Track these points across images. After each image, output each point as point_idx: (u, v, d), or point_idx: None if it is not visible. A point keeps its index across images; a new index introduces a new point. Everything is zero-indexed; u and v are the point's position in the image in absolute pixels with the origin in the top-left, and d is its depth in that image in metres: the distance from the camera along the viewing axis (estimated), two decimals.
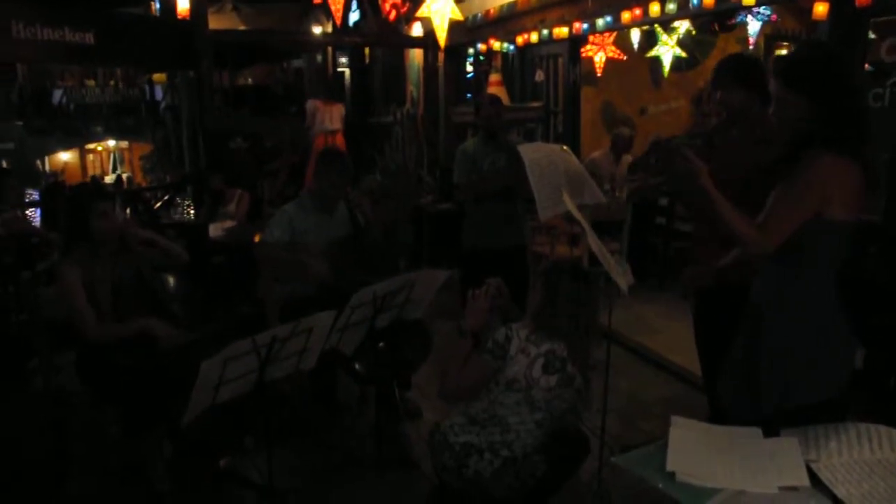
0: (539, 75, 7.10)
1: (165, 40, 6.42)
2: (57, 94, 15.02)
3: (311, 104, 8.72)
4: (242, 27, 9.51)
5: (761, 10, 6.76)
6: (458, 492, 2.39)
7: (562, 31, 5.75)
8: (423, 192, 7.06)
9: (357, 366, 3.18)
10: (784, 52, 7.45)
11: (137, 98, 15.18)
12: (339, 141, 8.66)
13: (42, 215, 6.35)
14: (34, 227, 5.79)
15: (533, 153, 2.97)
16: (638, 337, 4.73)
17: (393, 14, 7.45)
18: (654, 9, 4.66)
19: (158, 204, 6.55)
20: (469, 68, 8.50)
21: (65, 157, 15.21)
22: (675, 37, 7.27)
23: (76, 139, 14.34)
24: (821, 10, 3.72)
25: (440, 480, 2.45)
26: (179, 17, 6.82)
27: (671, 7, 4.53)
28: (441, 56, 7.55)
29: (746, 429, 1.85)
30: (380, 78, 10.48)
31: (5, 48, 5.22)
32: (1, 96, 14.11)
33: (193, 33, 6.39)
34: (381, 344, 3.01)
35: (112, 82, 15.61)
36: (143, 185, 11.93)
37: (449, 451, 2.36)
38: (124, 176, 15.11)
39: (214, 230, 5.50)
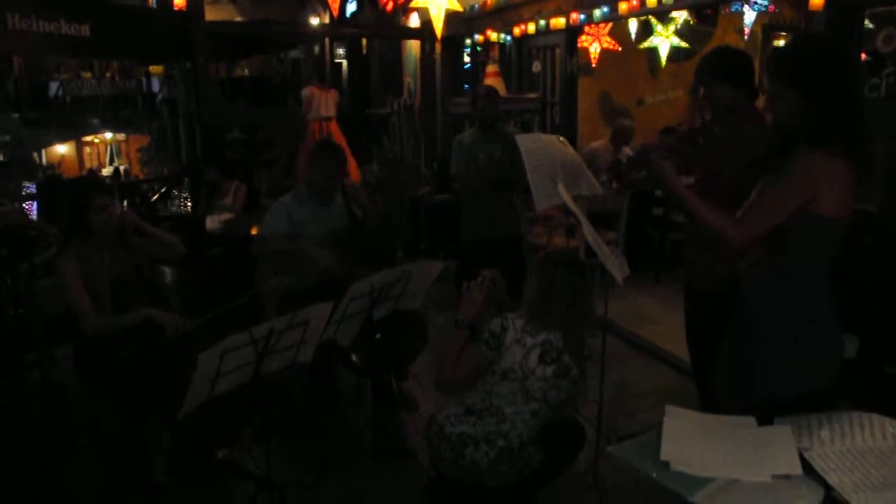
0: (536, 66, 7.09)
1: (162, 32, 6.38)
2: (53, 86, 14.96)
3: (307, 91, 8.73)
4: (239, 18, 9.49)
5: (758, 0, 6.75)
6: (454, 482, 2.40)
7: (559, 22, 5.74)
8: (420, 183, 7.06)
9: (354, 357, 3.19)
10: (781, 42, 7.43)
11: (134, 90, 15.12)
12: (334, 128, 8.68)
13: (39, 208, 6.34)
14: (31, 219, 5.79)
15: (531, 144, 2.98)
16: (633, 327, 4.75)
17: (390, 5, 7.43)
18: None
19: (155, 196, 6.54)
20: (466, 59, 8.48)
21: (61, 149, 15.14)
22: (671, 27, 7.26)
23: (72, 131, 14.27)
24: (817, 0, 3.70)
25: (437, 471, 2.46)
26: (176, 8, 6.79)
27: None
28: (438, 47, 7.53)
29: (740, 418, 1.86)
30: (377, 69, 10.47)
31: (1, 40, 5.20)
32: None
33: (190, 25, 6.36)
34: (377, 335, 3.02)
35: (108, 74, 15.54)
36: (141, 177, 11.90)
37: (445, 441, 2.37)
38: (121, 168, 15.07)
39: (211, 222, 5.50)
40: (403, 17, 7.91)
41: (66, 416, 3.34)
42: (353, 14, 9.41)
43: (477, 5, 6.70)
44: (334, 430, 3.51)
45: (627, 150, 6.25)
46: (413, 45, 8.21)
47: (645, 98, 7.99)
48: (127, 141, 15.67)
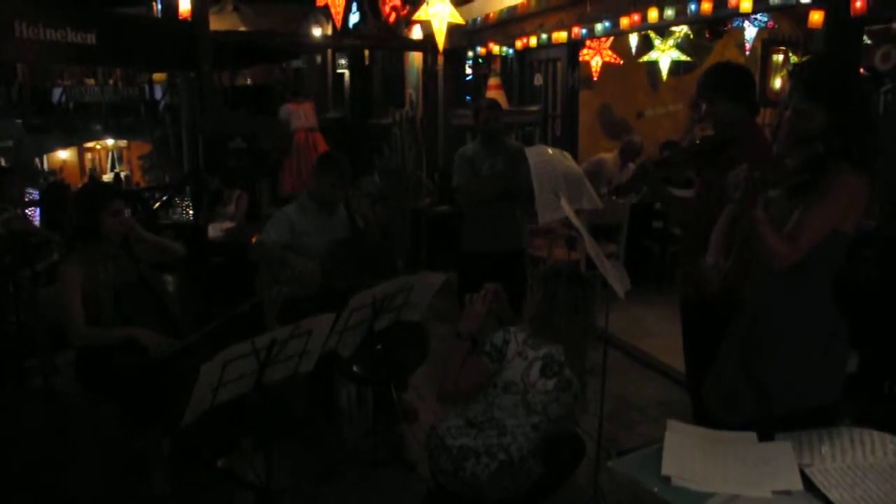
0: (538, 79, 7.13)
1: (166, 41, 6.43)
2: (56, 93, 15.03)
3: (283, 110, 8.94)
4: (243, 28, 9.54)
5: (758, 16, 6.79)
6: (454, 494, 2.40)
7: (560, 36, 5.78)
8: (421, 194, 7.08)
9: (355, 367, 3.20)
10: (780, 56, 7.46)
11: (137, 97, 15.19)
12: (319, 138, 8.81)
13: (42, 215, 6.35)
14: (34, 226, 5.79)
15: (536, 156, 3.00)
16: (635, 340, 4.76)
17: (392, 16, 7.48)
18: (653, 14, 4.70)
19: (157, 204, 6.56)
20: (468, 71, 8.53)
21: (63, 155, 15.19)
22: (670, 41, 7.31)
23: (74, 137, 14.31)
24: (816, 17, 3.72)
25: (436, 482, 2.46)
26: (181, 17, 6.84)
27: (669, 13, 4.56)
28: (440, 59, 7.57)
29: (741, 433, 1.86)
30: (379, 80, 10.51)
31: (8, 48, 5.24)
32: (0, 94, 14.11)
33: (194, 34, 6.41)
34: (378, 346, 3.03)
35: (111, 81, 15.62)
36: (142, 184, 11.93)
37: (446, 453, 2.38)
38: (122, 174, 15.12)
39: (213, 231, 5.52)
40: (406, 29, 7.96)
41: (67, 424, 3.33)
42: (356, 25, 9.45)
43: (479, 18, 6.74)
44: (334, 440, 3.50)
45: (633, 166, 6.31)
46: (415, 57, 8.25)
47: (645, 111, 8.03)
48: (129, 148, 15.72)
